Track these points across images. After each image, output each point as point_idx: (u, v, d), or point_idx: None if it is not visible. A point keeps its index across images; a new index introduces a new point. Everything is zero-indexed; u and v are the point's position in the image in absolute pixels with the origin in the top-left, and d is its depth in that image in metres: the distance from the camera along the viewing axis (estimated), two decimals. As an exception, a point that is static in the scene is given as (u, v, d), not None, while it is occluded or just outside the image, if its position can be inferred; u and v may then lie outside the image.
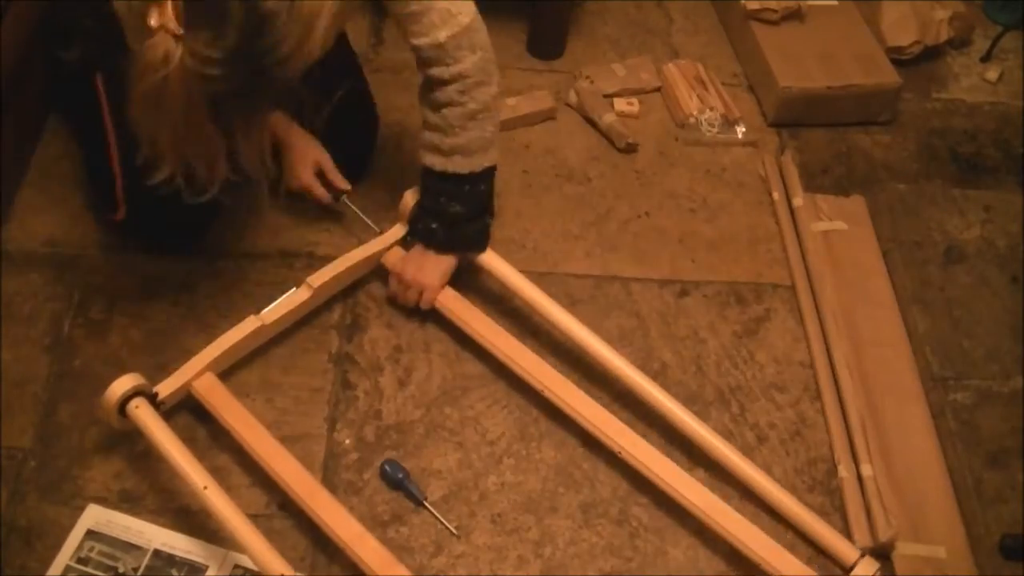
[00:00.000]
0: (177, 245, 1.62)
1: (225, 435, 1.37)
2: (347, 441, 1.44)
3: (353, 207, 1.63)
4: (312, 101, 1.27)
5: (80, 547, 1.29)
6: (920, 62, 2.15)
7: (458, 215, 1.49)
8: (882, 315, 1.67)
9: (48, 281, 1.56)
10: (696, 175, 1.90)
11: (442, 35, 1.35)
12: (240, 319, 1.46)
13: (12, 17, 1.60)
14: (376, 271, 1.62)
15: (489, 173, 1.49)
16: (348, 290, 1.60)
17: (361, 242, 1.60)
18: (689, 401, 1.54)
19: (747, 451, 1.50)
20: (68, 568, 1.27)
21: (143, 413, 1.31)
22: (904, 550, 1.40)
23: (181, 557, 1.30)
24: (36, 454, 1.38)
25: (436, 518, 1.38)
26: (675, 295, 1.69)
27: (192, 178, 1.18)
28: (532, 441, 1.47)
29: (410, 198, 1.56)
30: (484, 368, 1.54)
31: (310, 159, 1.61)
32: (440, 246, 1.52)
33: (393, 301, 1.59)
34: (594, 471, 1.45)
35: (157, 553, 1.30)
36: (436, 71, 1.39)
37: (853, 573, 1.34)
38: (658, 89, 2.04)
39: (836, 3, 2.15)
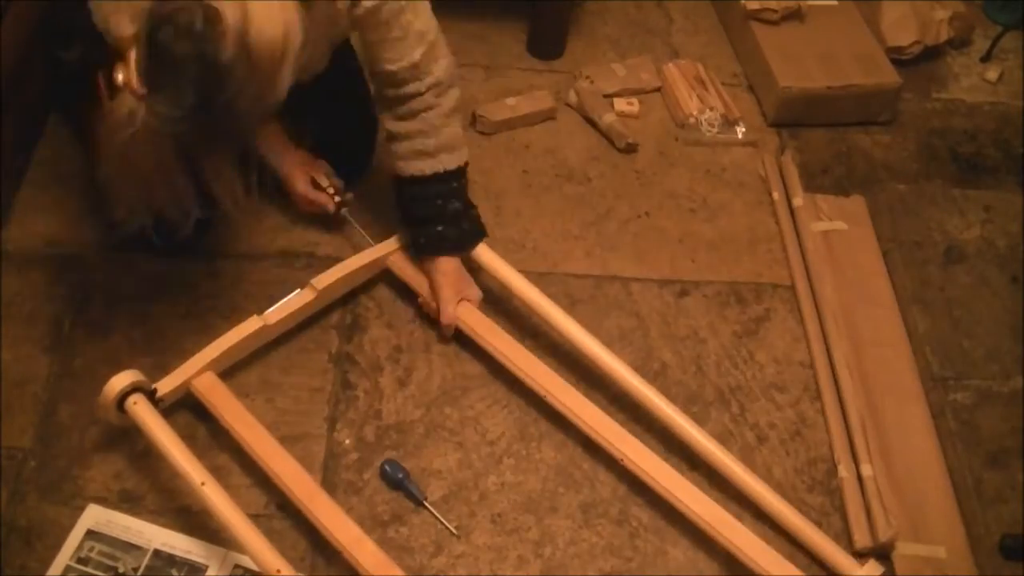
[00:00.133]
0: (179, 246, 1.60)
1: (225, 434, 1.37)
2: (347, 441, 1.44)
3: (351, 220, 1.62)
4: (301, 112, 1.28)
5: (80, 547, 1.29)
6: (920, 62, 2.15)
7: (457, 211, 1.50)
8: (882, 315, 1.67)
9: (48, 281, 1.56)
10: (696, 175, 1.90)
11: (416, 55, 1.38)
12: (240, 319, 1.46)
13: (12, 17, 1.60)
14: (379, 275, 1.62)
15: (466, 166, 1.52)
16: (349, 291, 1.61)
17: (359, 252, 1.59)
18: (689, 401, 1.54)
19: (747, 451, 1.50)
20: (68, 568, 1.27)
21: (141, 409, 1.31)
22: (904, 550, 1.40)
23: (181, 557, 1.30)
24: (36, 454, 1.38)
25: (436, 518, 1.38)
26: (675, 295, 1.69)
27: (163, 222, 1.19)
28: (532, 441, 1.47)
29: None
30: (484, 368, 1.54)
31: (301, 173, 1.61)
32: (454, 246, 1.53)
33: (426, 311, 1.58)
34: (594, 471, 1.45)
35: (157, 553, 1.30)
36: (412, 87, 1.41)
37: None
38: (658, 89, 2.04)
39: (836, 3, 2.15)
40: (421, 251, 1.55)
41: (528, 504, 1.41)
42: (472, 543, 1.37)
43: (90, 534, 1.30)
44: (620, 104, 1.98)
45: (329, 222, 1.67)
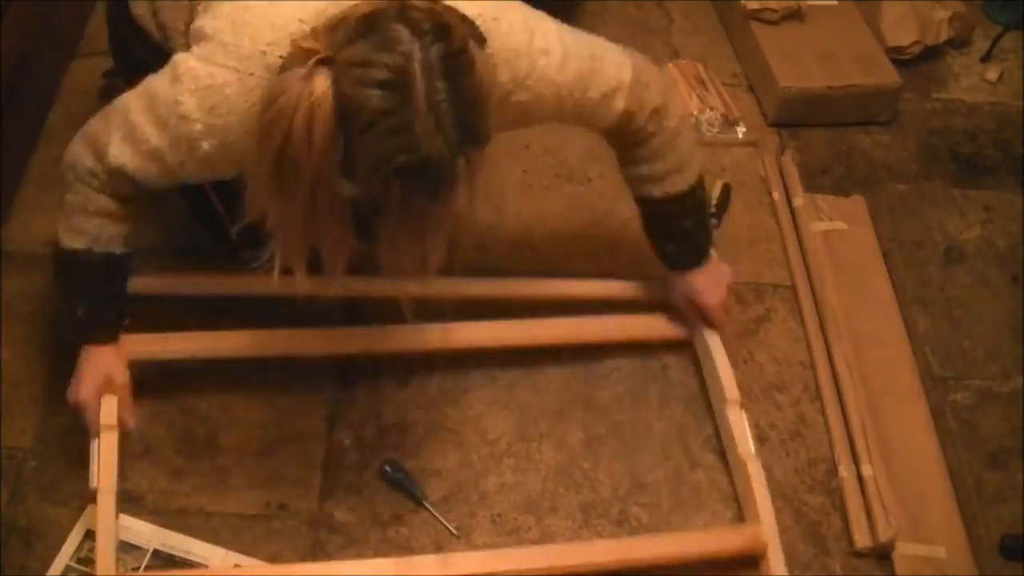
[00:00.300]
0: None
1: (224, 435, 1.37)
2: (347, 441, 1.44)
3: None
4: None
5: (80, 547, 1.29)
6: (920, 62, 2.15)
7: (688, 229, 1.45)
8: (882, 315, 1.67)
9: (48, 281, 1.56)
10: (696, 175, 1.90)
11: (621, 104, 1.30)
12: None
13: (12, 17, 1.60)
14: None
15: (700, 178, 1.43)
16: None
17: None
18: (689, 401, 1.54)
19: (747, 451, 1.50)
20: (68, 568, 1.27)
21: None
22: (904, 550, 1.40)
23: (181, 557, 1.30)
24: (36, 454, 1.38)
25: (436, 518, 1.38)
26: (675, 295, 1.69)
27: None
28: (532, 441, 1.47)
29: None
30: (484, 368, 1.54)
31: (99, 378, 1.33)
32: (686, 263, 1.48)
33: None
34: (594, 471, 1.45)
35: (157, 553, 1.30)
36: (633, 123, 1.33)
37: None
38: (658, 89, 2.04)
39: (836, 3, 2.15)
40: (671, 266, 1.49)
41: (528, 504, 1.41)
42: (472, 543, 1.37)
43: (90, 534, 1.30)
44: (620, 104, 1.98)
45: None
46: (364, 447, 1.44)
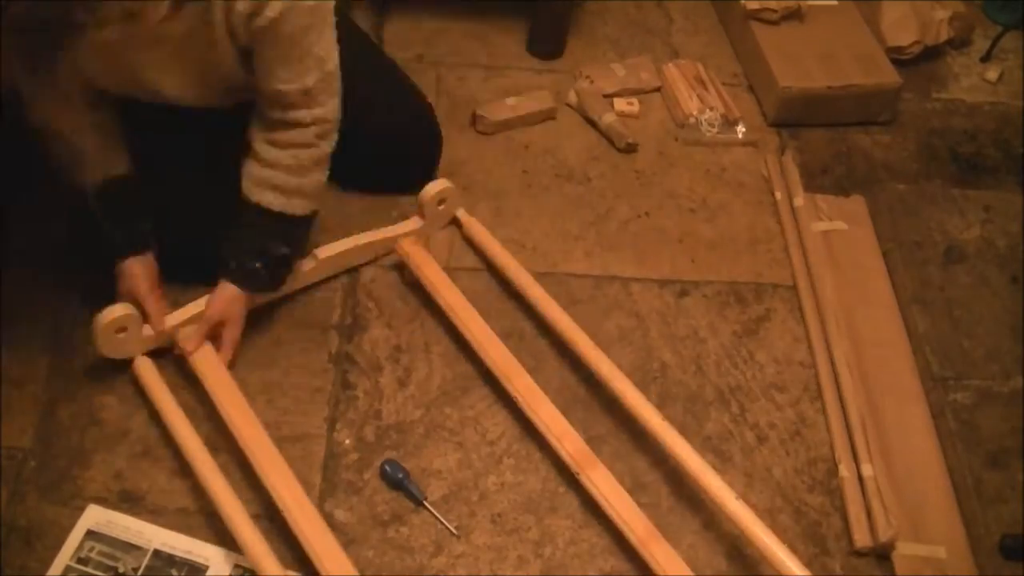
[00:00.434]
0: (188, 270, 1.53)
1: (223, 434, 1.37)
2: (347, 441, 1.44)
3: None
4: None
5: (80, 547, 1.29)
6: (920, 62, 2.15)
7: (284, 257, 1.45)
8: (882, 315, 1.68)
9: (48, 281, 1.56)
10: (696, 175, 1.90)
11: (311, 80, 1.32)
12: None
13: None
14: (381, 265, 1.63)
15: (314, 216, 1.46)
16: (348, 290, 1.61)
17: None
18: (689, 401, 1.54)
19: (747, 451, 1.50)
20: (68, 568, 1.27)
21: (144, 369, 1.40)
22: (904, 550, 1.40)
23: (181, 557, 1.30)
24: (36, 454, 1.38)
25: (436, 518, 1.38)
26: (675, 295, 1.69)
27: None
28: (532, 441, 1.47)
29: (432, 189, 1.60)
30: (484, 368, 1.54)
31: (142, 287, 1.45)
32: (262, 287, 1.47)
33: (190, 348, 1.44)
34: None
35: (157, 553, 1.30)
36: (298, 114, 1.35)
37: None
38: (658, 89, 2.04)
39: (836, 3, 2.15)
40: (225, 275, 1.44)
41: (528, 504, 1.41)
42: (472, 543, 1.37)
43: (90, 534, 1.30)
44: (620, 104, 1.98)
45: (330, 218, 1.67)
46: (364, 447, 1.44)
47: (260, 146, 1.39)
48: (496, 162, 1.86)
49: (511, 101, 1.92)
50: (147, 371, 1.40)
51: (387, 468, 1.40)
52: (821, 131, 2.01)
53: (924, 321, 1.65)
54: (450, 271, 1.60)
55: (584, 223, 1.78)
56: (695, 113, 1.98)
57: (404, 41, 2.06)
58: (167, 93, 1.38)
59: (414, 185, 1.65)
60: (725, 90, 2.04)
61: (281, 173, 1.39)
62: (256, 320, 1.53)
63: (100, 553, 1.29)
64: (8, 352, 1.47)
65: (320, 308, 1.58)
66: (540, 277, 1.61)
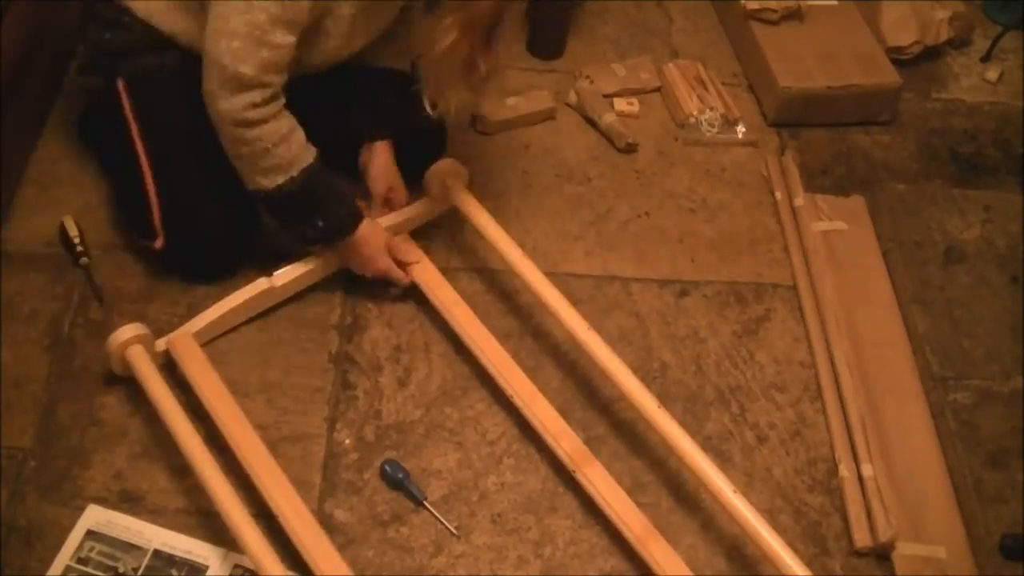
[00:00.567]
0: (215, 273, 1.57)
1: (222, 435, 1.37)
2: (347, 441, 1.44)
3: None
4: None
5: (80, 547, 1.29)
6: (920, 62, 2.15)
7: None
8: (882, 315, 1.68)
9: (48, 281, 1.56)
10: (696, 175, 1.90)
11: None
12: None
13: (12, 17, 1.60)
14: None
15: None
16: (348, 289, 1.60)
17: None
18: (689, 401, 1.54)
19: (747, 451, 1.50)
20: (68, 568, 1.27)
21: (138, 358, 1.38)
22: (904, 550, 1.40)
23: (181, 557, 1.30)
24: (36, 454, 1.38)
25: (436, 518, 1.38)
26: (675, 295, 1.69)
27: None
28: (532, 441, 1.47)
29: (441, 166, 1.62)
30: (484, 368, 1.54)
31: (381, 241, 1.54)
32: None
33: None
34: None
35: (157, 553, 1.30)
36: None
37: None
38: (658, 89, 2.04)
39: (836, 3, 2.15)
40: (372, 138, 1.59)
41: (528, 504, 1.41)
42: (472, 543, 1.37)
43: (90, 534, 1.30)
44: (620, 104, 1.98)
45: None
46: (364, 447, 1.44)
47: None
48: (496, 162, 1.86)
49: (511, 101, 1.92)
50: (139, 358, 1.38)
51: (387, 468, 1.40)
52: (821, 131, 2.01)
53: (924, 321, 1.65)
54: (449, 271, 1.60)
55: (584, 223, 1.78)
56: (695, 113, 1.98)
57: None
58: (338, 55, 1.47)
59: (418, 180, 1.65)
60: (725, 90, 2.04)
61: None
62: (256, 320, 1.53)
63: (100, 553, 1.29)
64: (8, 352, 1.47)
65: (320, 308, 1.58)
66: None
